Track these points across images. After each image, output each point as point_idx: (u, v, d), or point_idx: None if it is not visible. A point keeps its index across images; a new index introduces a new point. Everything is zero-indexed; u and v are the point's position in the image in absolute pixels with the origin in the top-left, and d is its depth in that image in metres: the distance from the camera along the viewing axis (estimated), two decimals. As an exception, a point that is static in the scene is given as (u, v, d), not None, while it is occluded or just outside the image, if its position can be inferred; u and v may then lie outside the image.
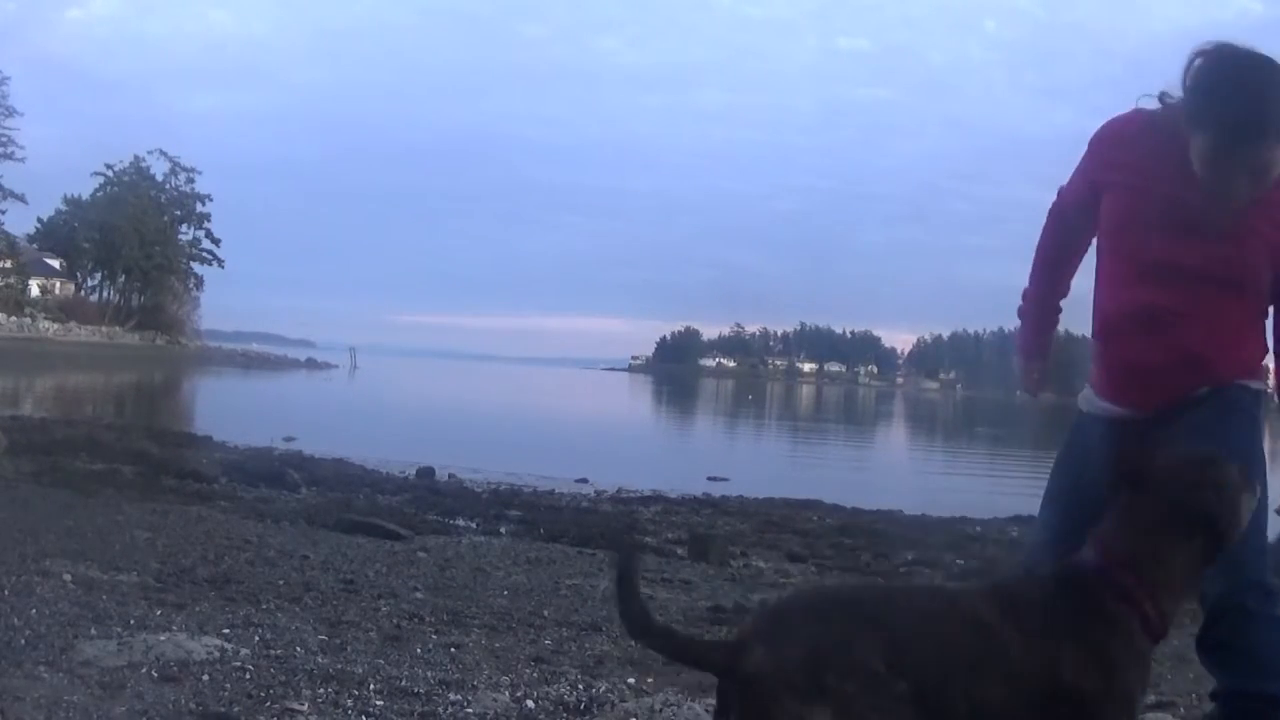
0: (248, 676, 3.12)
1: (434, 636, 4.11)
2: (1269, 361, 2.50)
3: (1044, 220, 2.67)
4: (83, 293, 73.41)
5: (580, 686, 3.31)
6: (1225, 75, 2.18)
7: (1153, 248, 2.38)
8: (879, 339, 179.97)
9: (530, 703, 3.10)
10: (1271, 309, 2.47)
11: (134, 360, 56.25)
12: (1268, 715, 2.28)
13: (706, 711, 3.05)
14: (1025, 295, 2.75)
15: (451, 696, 3.12)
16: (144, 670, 3.08)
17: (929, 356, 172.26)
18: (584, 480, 14.69)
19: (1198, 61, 2.24)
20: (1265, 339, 2.47)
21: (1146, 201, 2.36)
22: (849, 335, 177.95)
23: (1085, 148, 2.50)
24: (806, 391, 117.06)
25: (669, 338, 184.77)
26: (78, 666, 3.06)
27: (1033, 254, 2.71)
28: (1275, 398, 2.53)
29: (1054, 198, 2.64)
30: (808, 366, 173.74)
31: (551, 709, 3.08)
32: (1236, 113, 2.15)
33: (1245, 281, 2.36)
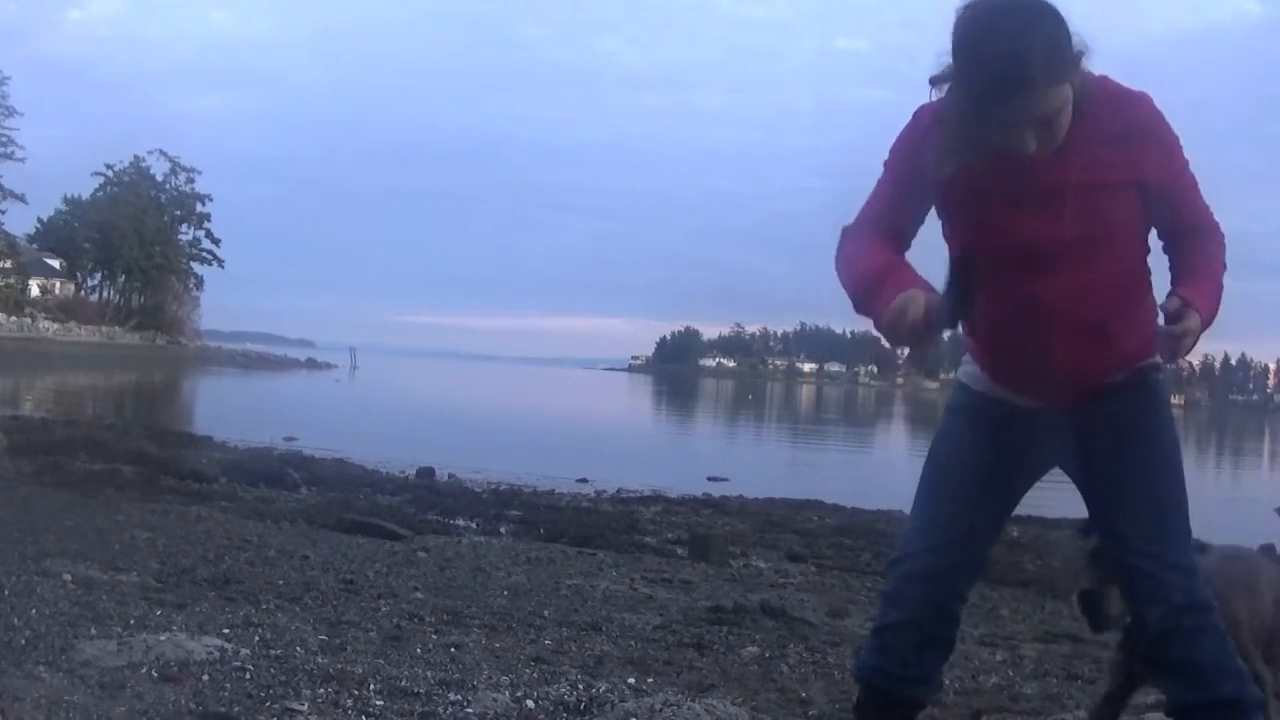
0: (248, 676, 3.12)
1: (434, 636, 4.11)
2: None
3: (843, 248, 2.23)
4: (83, 293, 73.44)
5: (580, 686, 3.31)
6: (978, 27, 1.94)
7: (1007, 228, 2.11)
8: (879, 339, 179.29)
9: (530, 703, 3.10)
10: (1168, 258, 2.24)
11: (134, 360, 56.26)
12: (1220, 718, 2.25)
13: (707, 711, 3.06)
14: (859, 282, 2.19)
15: (451, 696, 3.12)
16: (144, 670, 3.08)
17: (928, 357, 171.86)
18: (584, 480, 14.69)
19: (955, 20, 1.99)
20: (1154, 298, 2.24)
21: (982, 179, 2.09)
22: (849, 335, 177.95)
23: (886, 164, 2.25)
24: (806, 391, 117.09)
25: (669, 338, 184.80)
26: (78, 666, 3.06)
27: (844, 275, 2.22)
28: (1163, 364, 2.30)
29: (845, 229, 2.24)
30: (808, 366, 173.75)
31: (551, 709, 3.08)
32: (995, 67, 1.91)
33: (1110, 238, 2.13)
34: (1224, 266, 2.21)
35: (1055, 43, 1.92)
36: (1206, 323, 2.12)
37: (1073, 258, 2.11)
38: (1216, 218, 2.22)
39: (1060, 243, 2.10)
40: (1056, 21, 1.93)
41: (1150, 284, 2.27)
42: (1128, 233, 2.18)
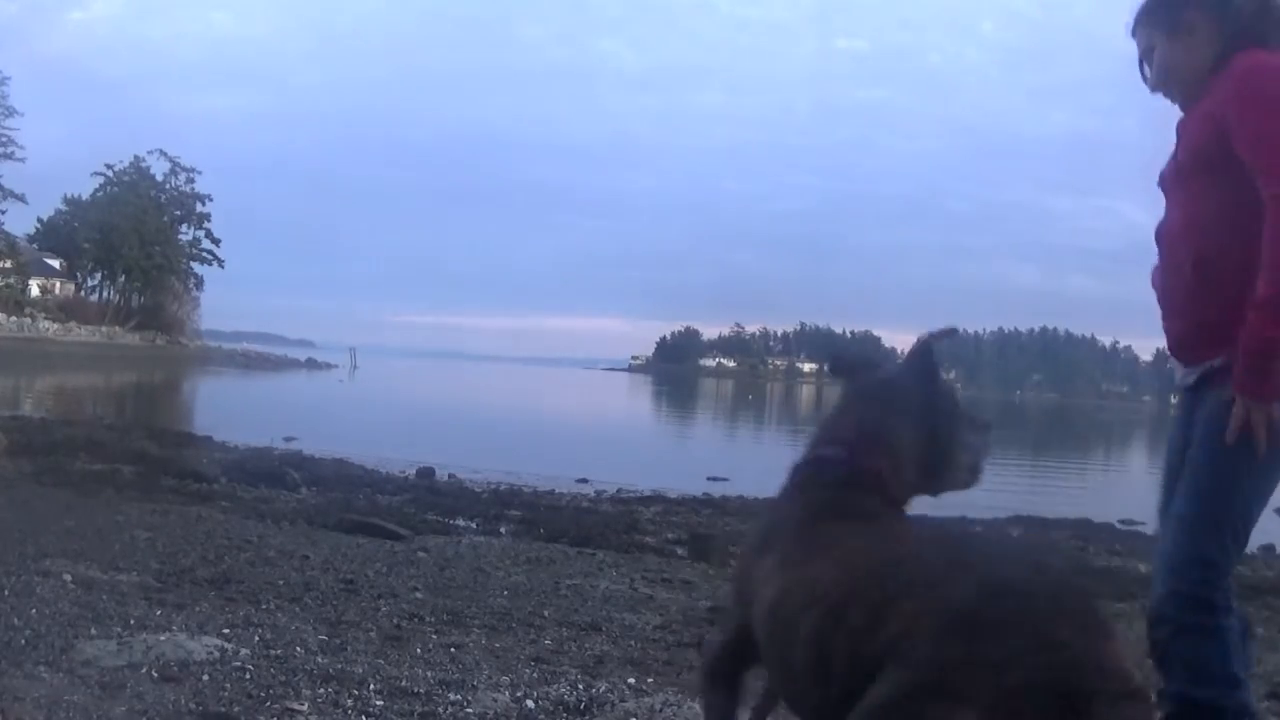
0: (248, 676, 3.13)
1: (434, 636, 4.11)
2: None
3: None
4: (83, 293, 73.39)
5: (580, 686, 3.31)
6: None
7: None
8: (879, 339, 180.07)
9: (530, 703, 3.10)
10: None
11: (134, 360, 56.24)
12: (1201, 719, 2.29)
13: (706, 711, 3.06)
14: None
15: (451, 696, 3.12)
16: (144, 670, 3.09)
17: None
18: (584, 480, 14.69)
19: None
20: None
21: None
22: (849, 335, 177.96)
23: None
24: (806, 392, 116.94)
25: (669, 338, 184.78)
26: (78, 666, 3.06)
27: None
28: None
29: None
30: (808, 367, 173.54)
31: (551, 709, 3.08)
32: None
33: (1195, 183, 2.34)
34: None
35: (1150, 3, 2.49)
36: (1248, 364, 2.19)
37: (1176, 192, 2.40)
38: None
39: (1170, 174, 2.44)
40: None
41: (1250, 266, 2.20)
42: (1216, 172, 2.29)
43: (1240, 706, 2.27)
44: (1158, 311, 2.49)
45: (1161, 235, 2.46)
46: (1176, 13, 2.43)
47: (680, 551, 8.76)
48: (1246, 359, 2.18)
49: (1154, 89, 2.51)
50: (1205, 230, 2.30)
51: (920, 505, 1.92)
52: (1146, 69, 2.51)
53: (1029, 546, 1.79)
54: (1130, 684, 1.31)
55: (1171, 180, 2.43)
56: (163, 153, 75.67)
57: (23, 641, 3.26)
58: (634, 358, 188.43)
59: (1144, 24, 2.49)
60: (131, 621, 3.70)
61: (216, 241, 78.35)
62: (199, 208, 77.12)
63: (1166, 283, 2.42)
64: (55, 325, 63.08)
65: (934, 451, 1.86)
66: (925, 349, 1.89)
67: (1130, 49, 2.56)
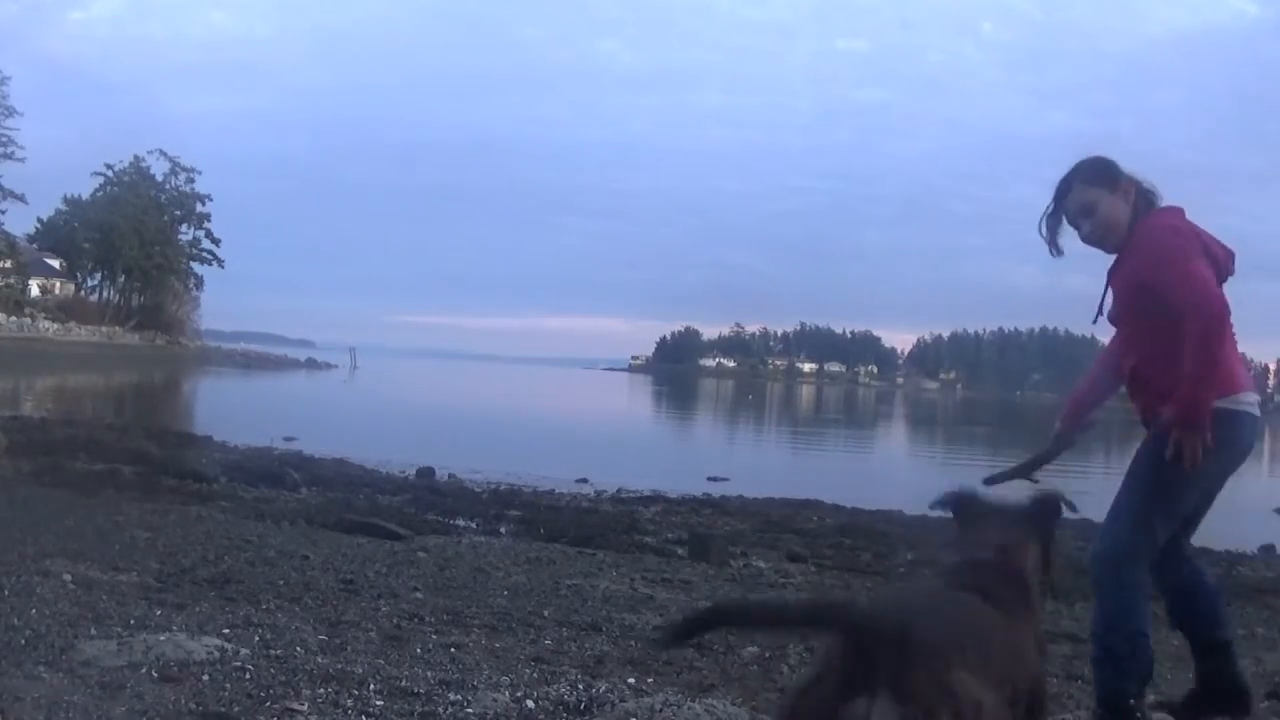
0: (248, 676, 3.13)
1: (434, 636, 4.11)
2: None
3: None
4: (83, 293, 73.37)
5: (580, 686, 3.31)
6: None
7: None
8: (879, 339, 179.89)
9: (530, 703, 3.11)
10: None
11: (134, 360, 56.26)
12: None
13: (707, 711, 3.06)
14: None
15: (451, 696, 3.12)
16: (144, 670, 3.09)
17: (929, 356, 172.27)
18: (584, 480, 14.69)
19: None
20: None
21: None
22: (849, 335, 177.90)
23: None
24: (806, 391, 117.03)
25: (669, 338, 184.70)
26: (78, 666, 3.06)
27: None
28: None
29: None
30: (808, 366, 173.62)
31: (551, 709, 3.08)
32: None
33: (1130, 318, 3.17)
34: (1198, 348, 2.87)
35: (1091, 169, 3.15)
36: (1184, 417, 2.92)
37: (1120, 327, 3.21)
38: (1196, 296, 2.89)
39: (1113, 316, 3.20)
40: (1102, 162, 3.15)
41: (1174, 354, 2.94)
42: (1142, 316, 3.07)
43: (1119, 639, 2.98)
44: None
45: (1112, 350, 3.33)
46: (1117, 175, 3.11)
47: (680, 551, 8.77)
48: (1183, 408, 2.92)
49: (1089, 239, 3.15)
50: (1137, 352, 3.13)
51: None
52: (1050, 223, 3.17)
53: (950, 604, 2.18)
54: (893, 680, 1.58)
55: (1114, 319, 3.22)
56: (163, 153, 75.71)
57: (23, 641, 3.26)
58: (634, 358, 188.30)
59: (1088, 182, 3.11)
60: (131, 621, 3.70)
61: (216, 241, 78.34)
62: (199, 208, 77.08)
63: (1124, 378, 3.28)
64: (55, 325, 63.05)
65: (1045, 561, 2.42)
66: (1057, 505, 2.43)
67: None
